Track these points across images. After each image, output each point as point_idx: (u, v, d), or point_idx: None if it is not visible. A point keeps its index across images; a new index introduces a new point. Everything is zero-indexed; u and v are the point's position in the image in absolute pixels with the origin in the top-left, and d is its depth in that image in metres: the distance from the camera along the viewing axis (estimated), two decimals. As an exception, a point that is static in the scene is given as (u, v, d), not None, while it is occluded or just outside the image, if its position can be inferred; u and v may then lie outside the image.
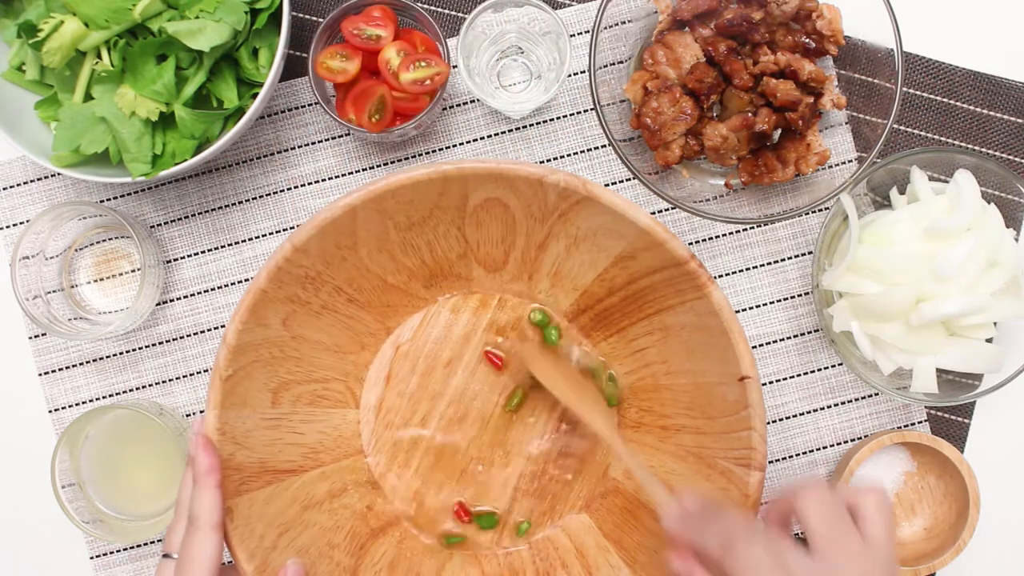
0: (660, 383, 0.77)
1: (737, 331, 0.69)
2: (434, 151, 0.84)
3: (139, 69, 0.73)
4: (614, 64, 0.80)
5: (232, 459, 0.69)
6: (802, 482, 0.62)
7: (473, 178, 0.70)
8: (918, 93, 0.84)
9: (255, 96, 0.76)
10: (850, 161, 0.83)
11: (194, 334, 0.84)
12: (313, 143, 0.84)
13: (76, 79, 0.76)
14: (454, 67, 0.81)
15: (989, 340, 0.77)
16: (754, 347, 0.84)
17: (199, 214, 0.84)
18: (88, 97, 0.75)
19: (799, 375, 0.84)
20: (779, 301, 0.85)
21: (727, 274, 0.84)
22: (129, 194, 0.84)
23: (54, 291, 0.83)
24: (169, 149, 0.75)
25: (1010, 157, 0.84)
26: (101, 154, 0.75)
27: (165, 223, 0.84)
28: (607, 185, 0.84)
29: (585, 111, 0.84)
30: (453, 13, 0.84)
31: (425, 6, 0.84)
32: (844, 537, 0.58)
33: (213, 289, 0.84)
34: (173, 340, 0.84)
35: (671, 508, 0.66)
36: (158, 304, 0.84)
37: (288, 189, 0.84)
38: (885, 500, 0.59)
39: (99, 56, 0.75)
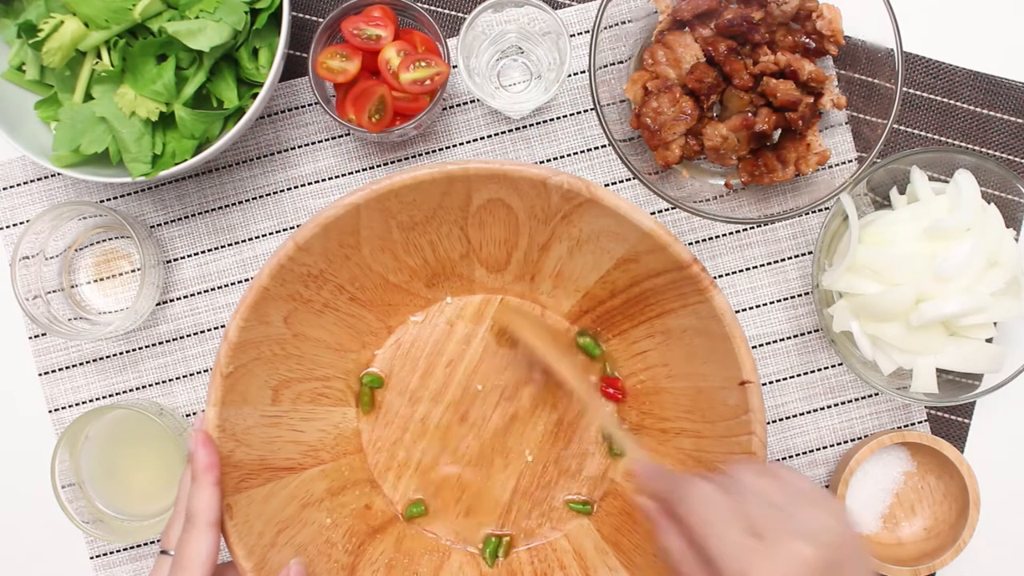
0: (661, 386, 0.77)
1: (739, 336, 0.70)
2: (434, 151, 0.84)
3: (139, 69, 0.73)
4: (614, 64, 0.80)
5: (232, 456, 0.69)
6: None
7: (477, 178, 0.70)
8: (918, 93, 0.84)
9: (255, 96, 0.76)
10: (850, 161, 0.83)
11: (194, 334, 0.84)
12: (313, 143, 0.84)
13: (76, 79, 0.76)
14: (454, 67, 0.81)
15: (989, 340, 0.77)
16: (754, 347, 0.84)
17: (199, 214, 0.84)
18: (88, 97, 0.75)
19: (799, 375, 0.85)
20: (779, 301, 0.85)
21: (727, 274, 0.84)
22: (129, 194, 0.84)
23: (54, 291, 0.83)
24: (169, 149, 0.75)
25: (1010, 157, 0.84)
26: (101, 154, 0.75)
27: (165, 223, 0.84)
28: (607, 185, 0.84)
29: (585, 111, 0.84)
30: (453, 13, 0.84)
31: (425, 6, 0.84)
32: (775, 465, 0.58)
33: (213, 289, 0.84)
34: (173, 340, 0.84)
35: (642, 460, 0.67)
36: (158, 304, 0.84)
37: (288, 189, 0.84)
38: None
39: (99, 56, 0.75)
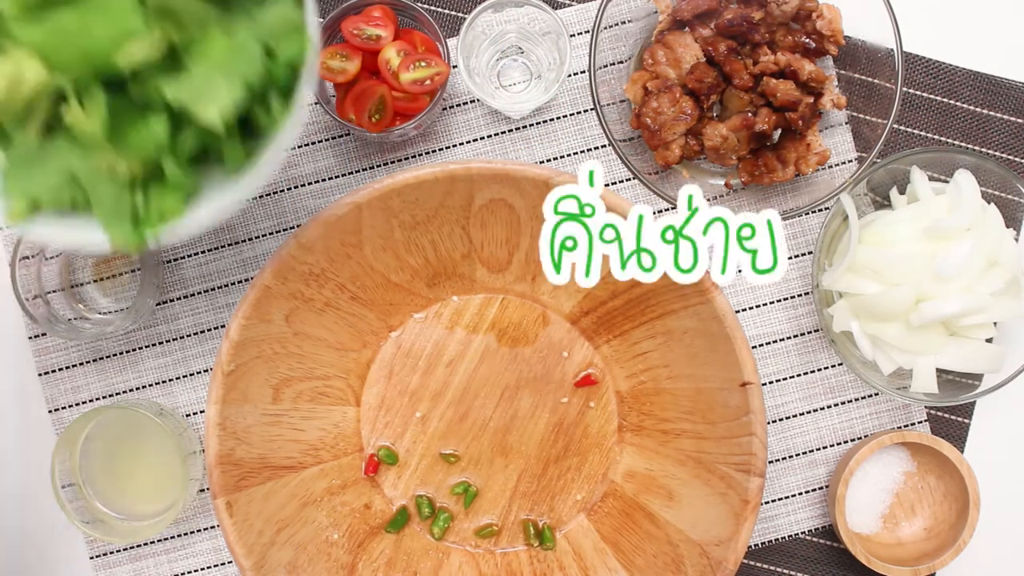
0: (661, 387, 0.77)
1: (740, 337, 0.70)
2: (434, 151, 0.84)
3: (123, 130, 0.54)
4: (614, 64, 0.80)
5: (232, 454, 0.69)
6: None
7: (479, 178, 0.70)
8: (918, 93, 0.84)
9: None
10: (850, 161, 0.83)
11: (194, 334, 0.84)
12: (313, 143, 0.84)
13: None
14: (454, 67, 0.81)
15: (989, 340, 0.77)
16: (754, 347, 0.84)
17: (199, 214, 0.84)
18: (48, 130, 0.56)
19: (799, 375, 0.85)
20: (779, 301, 0.85)
21: (727, 274, 0.84)
22: (129, 194, 0.84)
23: (54, 291, 0.83)
24: (155, 206, 0.57)
25: (1010, 157, 0.84)
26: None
27: (165, 223, 0.84)
28: (607, 185, 0.84)
29: (585, 111, 0.84)
30: (453, 13, 0.84)
31: (425, 6, 0.84)
32: None
33: (213, 289, 0.84)
34: (173, 340, 0.84)
35: None
36: (158, 304, 0.84)
37: (288, 189, 0.84)
38: None
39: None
